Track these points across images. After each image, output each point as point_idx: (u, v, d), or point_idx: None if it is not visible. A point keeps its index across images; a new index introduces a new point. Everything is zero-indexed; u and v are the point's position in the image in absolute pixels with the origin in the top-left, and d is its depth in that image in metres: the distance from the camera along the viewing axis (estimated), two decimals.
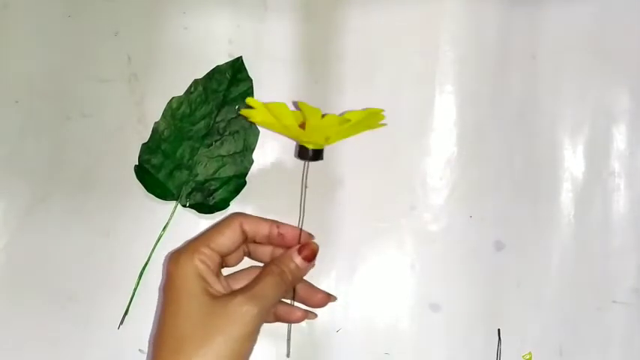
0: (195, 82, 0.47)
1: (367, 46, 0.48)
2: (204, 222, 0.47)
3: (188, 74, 0.47)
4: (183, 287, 0.40)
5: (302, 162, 0.44)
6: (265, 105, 0.42)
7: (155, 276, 0.46)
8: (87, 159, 0.47)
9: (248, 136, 0.47)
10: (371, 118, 0.43)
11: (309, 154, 0.44)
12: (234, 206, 0.46)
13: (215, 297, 0.39)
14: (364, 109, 0.43)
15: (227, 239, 0.42)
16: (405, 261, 0.47)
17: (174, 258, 0.41)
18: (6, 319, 0.46)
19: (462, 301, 0.47)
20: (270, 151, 0.47)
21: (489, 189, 0.48)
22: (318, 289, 0.45)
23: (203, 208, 0.46)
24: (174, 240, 0.46)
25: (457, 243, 0.47)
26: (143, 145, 0.46)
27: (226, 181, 0.46)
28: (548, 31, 0.49)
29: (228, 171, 0.46)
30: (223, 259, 0.43)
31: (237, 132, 0.47)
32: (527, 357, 0.47)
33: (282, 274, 0.41)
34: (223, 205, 0.46)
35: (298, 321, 0.44)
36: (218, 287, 0.40)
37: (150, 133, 0.46)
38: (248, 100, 0.44)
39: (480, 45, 0.48)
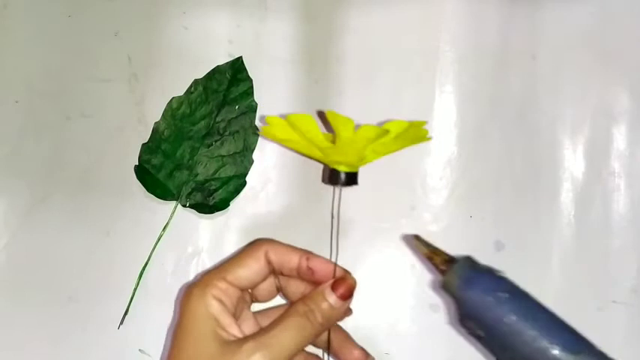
0: (195, 82, 0.47)
1: (367, 47, 0.48)
2: (204, 222, 0.47)
3: (188, 74, 0.47)
4: (191, 329, 0.35)
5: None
6: (288, 118, 0.37)
7: (155, 276, 0.46)
8: (87, 159, 0.47)
9: (248, 136, 0.47)
10: (413, 131, 0.39)
11: (341, 178, 0.38)
12: (235, 206, 0.46)
13: (225, 342, 0.34)
14: (405, 121, 0.39)
15: (248, 271, 0.36)
16: (405, 261, 0.47)
17: (187, 293, 0.36)
18: (6, 319, 0.46)
19: None
20: (270, 151, 0.47)
21: (489, 189, 0.48)
22: (356, 343, 0.40)
23: (203, 208, 0.46)
24: (175, 240, 0.46)
25: (457, 243, 0.47)
26: (143, 145, 0.46)
27: (226, 181, 0.46)
28: (548, 31, 0.49)
29: (228, 171, 0.46)
30: (251, 294, 0.38)
31: (238, 132, 0.47)
32: None
33: (310, 315, 0.35)
34: (223, 205, 0.46)
35: None
36: (233, 330, 0.35)
37: (150, 133, 0.47)
38: (268, 118, 0.40)
39: (479, 45, 0.48)
